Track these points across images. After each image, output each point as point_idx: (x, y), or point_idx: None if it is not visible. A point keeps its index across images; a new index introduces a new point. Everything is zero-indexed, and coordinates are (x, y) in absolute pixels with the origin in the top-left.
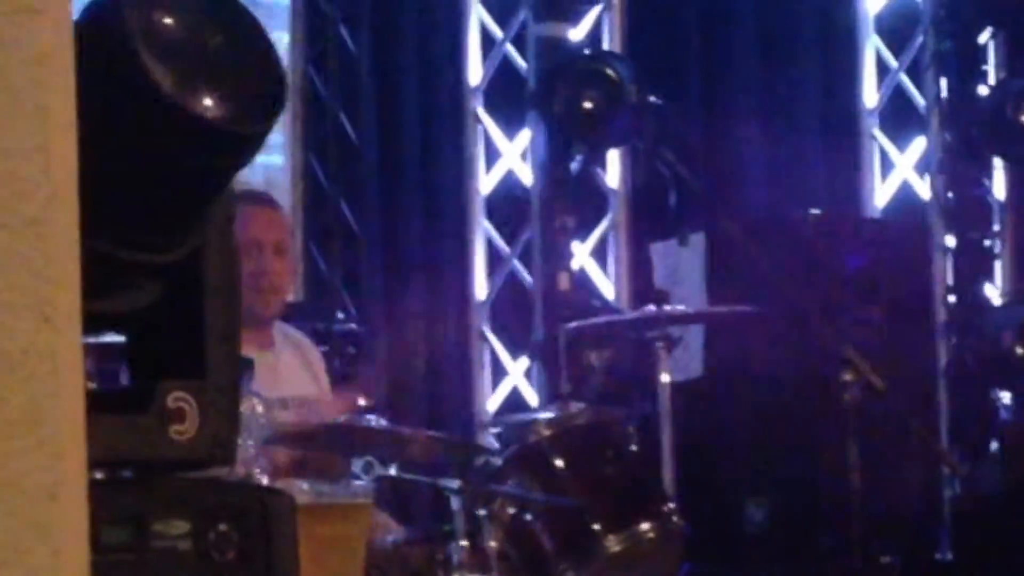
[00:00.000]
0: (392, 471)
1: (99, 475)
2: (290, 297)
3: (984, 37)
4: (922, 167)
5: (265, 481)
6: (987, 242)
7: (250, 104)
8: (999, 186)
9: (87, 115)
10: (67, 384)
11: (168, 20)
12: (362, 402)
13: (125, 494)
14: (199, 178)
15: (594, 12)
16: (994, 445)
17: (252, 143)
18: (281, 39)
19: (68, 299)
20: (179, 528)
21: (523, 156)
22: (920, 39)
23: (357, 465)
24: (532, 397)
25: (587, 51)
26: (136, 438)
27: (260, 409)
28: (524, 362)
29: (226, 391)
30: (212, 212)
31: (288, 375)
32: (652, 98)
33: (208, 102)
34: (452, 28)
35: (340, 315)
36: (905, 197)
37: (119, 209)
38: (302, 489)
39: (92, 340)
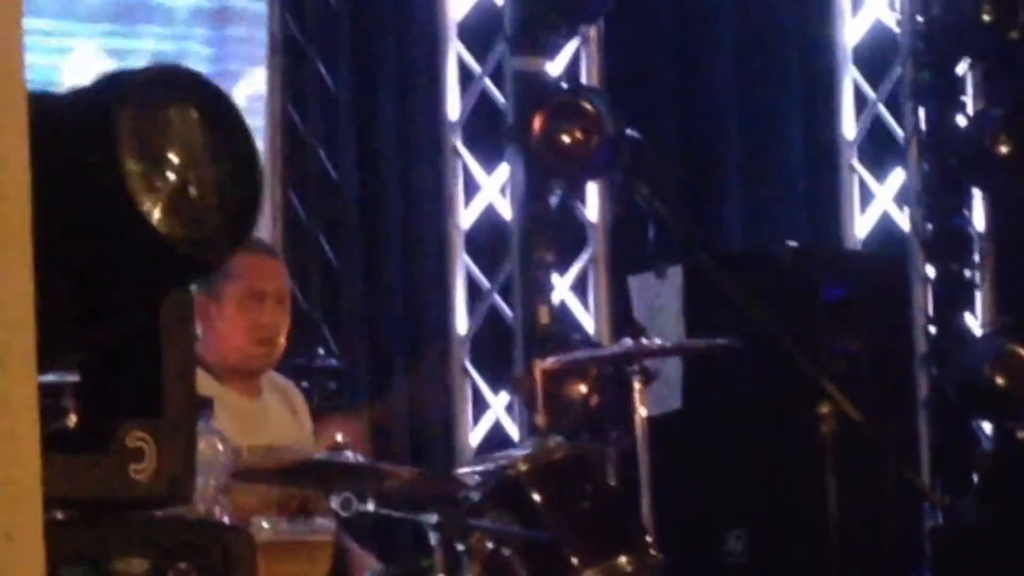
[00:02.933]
0: (370, 506)
1: (58, 515)
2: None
3: (962, 68)
4: (901, 198)
5: (226, 520)
6: (967, 273)
7: (220, 232)
8: (978, 216)
9: (50, 200)
10: (22, 425)
11: (160, 144)
12: (339, 438)
13: (83, 533)
14: (154, 285)
15: (571, 46)
16: (975, 476)
17: (210, 265)
18: (260, 76)
19: (23, 342)
20: (138, 567)
21: (502, 190)
22: (898, 70)
23: (335, 501)
24: (514, 431)
25: (564, 85)
26: (96, 477)
27: (221, 447)
28: (505, 396)
29: (182, 430)
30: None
31: (276, 422)
32: (629, 131)
33: (179, 228)
34: (430, 63)
35: (320, 351)
36: (885, 228)
37: (69, 299)
38: (262, 527)
39: (40, 379)
